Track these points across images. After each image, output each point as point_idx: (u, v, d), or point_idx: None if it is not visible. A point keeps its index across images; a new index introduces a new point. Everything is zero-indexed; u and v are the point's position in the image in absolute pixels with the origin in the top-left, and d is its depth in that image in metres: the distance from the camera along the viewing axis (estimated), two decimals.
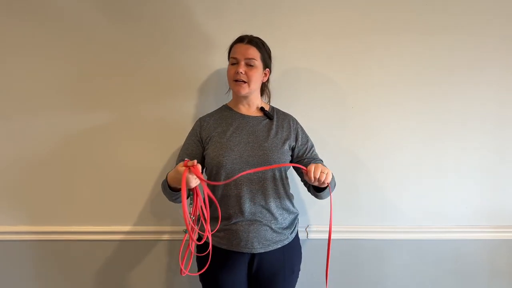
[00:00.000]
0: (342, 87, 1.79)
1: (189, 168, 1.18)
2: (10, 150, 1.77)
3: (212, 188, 1.46)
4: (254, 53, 1.43)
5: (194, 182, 1.22)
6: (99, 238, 1.84)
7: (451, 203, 1.88)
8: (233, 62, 1.45)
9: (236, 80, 1.43)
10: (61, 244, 1.84)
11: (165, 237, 1.85)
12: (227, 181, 1.25)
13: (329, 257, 1.32)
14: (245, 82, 1.43)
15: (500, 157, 1.85)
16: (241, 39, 1.46)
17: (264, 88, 1.60)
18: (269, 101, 1.64)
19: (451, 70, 1.79)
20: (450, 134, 1.83)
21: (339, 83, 1.78)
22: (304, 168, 1.30)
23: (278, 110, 1.58)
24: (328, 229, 1.29)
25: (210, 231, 1.30)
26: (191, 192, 1.27)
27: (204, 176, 1.28)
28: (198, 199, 1.25)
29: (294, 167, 1.53)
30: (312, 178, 1.26)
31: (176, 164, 1.47)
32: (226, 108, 1.55)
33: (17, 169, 1.78)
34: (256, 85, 1.47)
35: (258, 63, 1.45)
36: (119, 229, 1.84)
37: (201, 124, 1.52)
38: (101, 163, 1.80)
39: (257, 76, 1.45)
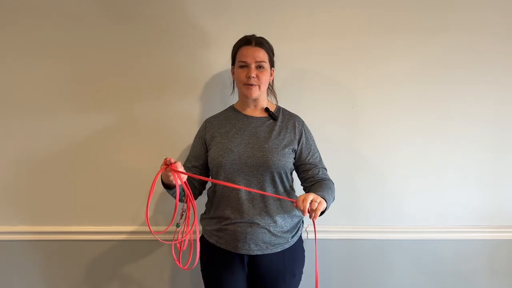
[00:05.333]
0: (342, 86, 1.78)
1: (167, 166, 1.24)
2: (10, 150, 1.77)
3: (213, 188, 1.49)
4: (263, 55, 1.42)
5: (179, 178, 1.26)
6: (99, 238, 1.84)
7: (451, 203, 1.87)
8: (242, 65, 1.42)
9: (248, 84, 1.42)
10: (62, 244, 1.85)
11: (167, 237, 1.85)
12: (211, 180, 1.41)
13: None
14: (256, 85, 1.42)
15: (500, 157, 1.85)
16: (248, 41, 1.43)
17: (268, 87, 1.56)
18: (276, 100, 1.62)
19: (452, 69, 1.78)
20: (450, 134, 1.83)
21: (339, 83, 1.78)
22: (293, 200, 1.30)
23: (284, 110, 1.56)
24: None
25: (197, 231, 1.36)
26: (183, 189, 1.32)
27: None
28: (188, 195, 1.31)
29: (298, 167, 1.51)
30: (301, 209, 1.23)
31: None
32: (231, 109, 1.55)
33: (18, 169, 1.79)
34: (265, 86, 1.47)
35: (267, 65, 1.44)
36: (120, 229, 1.84)
37: (206, 125, 1.54)
38: (102, 164, 1.80)
39: (267, 78, 1.45)
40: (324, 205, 1.26)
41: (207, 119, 1.57)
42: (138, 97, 1.76)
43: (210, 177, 1.51)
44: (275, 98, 1.63)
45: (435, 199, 1.87)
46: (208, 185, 1.58)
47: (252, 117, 1.50)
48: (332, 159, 1.67)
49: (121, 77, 1.75)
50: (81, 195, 1.82)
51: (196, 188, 1.52)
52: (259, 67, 1.42)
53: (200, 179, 1.51)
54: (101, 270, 1.88)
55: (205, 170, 1.52)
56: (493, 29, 1.76)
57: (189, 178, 1.43)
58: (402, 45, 1.76)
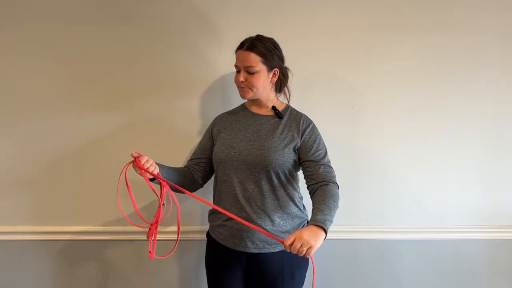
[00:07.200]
0: (342, 86, 1.79)
1: (132, 162, 1.32)
2: (12, 151, 1.77)
3: (215, 183, 1.54)
4: (253, 59, 1.40)
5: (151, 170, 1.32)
6: (101, 238, 1.84)
7: (451, 203, 1.88)
8: (236, 69, 1.47)
9: (240, 87, 1.46)
10: (64, 244, 1.85)
11: (169, 237, 1.85)
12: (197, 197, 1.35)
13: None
14: (247, 88, 1.44)
15: (500, 157, 1.85)
16: (241, 45, 1.43)
17: (280, 87, 1.55)
18: (288, 100, 1.60)
19: (452, 69, 1.78)
20: (450, 134, 1.83)
21: (339, 83, 1.78)
22: (281, 240, 1.22)
23: (292, 110, 1.55)
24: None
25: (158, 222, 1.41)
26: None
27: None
28: (162, 188, 1.35)
29: (301, 165, 1.49)
30: (289, 249, 1.18)
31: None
32: (241, 107, 1.60)
33: (20, 169, 1.78)
34: (261, 88, 1.45)
35: (260, 67, 1.41)
36: (121, 229, 1.84)
37: (215, 120, 1.60)
38: (104, 164, 1.79)
39: (260, 81, 1.43)
40: (315, 249, 1.18)
41: (218, 115, 1.62)
42: (139, 97, 1.76)
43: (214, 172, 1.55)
44: (287, 98, 1.60)
45: (435, 199, 1.87)
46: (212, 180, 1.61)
47: (258, 114, 1.52)
48: (332, 159, 1.66)
49: (121, 77, 1.75)
50: (82, 195, 1.81)
51: (195, 180, 1.55)
52: (249, 71, 1.42)
53: (203, 171, 1.56)
54: (103, 270, 1.88)
55: (211, 163, 1.56)
56: (493, 29, 1.76)
57: (189, 169, 1.55)
58: (402, 45, 1.76)
